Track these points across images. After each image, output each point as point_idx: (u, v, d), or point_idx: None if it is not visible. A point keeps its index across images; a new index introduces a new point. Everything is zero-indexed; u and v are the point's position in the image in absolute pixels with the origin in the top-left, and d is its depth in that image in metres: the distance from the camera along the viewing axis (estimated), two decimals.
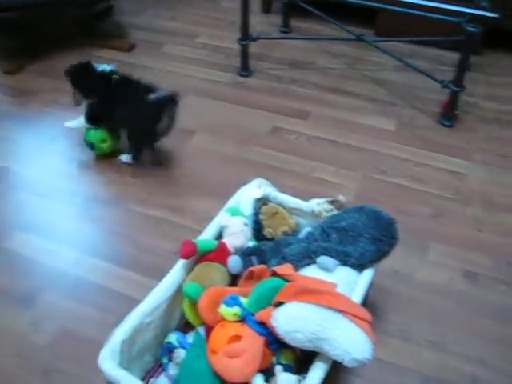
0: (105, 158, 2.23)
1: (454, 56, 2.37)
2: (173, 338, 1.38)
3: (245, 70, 2.66)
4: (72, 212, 2.01)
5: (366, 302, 1.40)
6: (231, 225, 1.48)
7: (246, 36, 2.55)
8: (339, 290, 1.27)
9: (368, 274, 1.39)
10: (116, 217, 1.97)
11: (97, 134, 2.19)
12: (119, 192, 2.07)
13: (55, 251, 1.86)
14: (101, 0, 2.98)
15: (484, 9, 2.06)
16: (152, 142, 2.17)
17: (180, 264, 1.40)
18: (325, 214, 1.51)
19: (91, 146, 2.21)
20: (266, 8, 3.22)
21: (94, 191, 2.08)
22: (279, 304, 1.21)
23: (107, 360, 1.21)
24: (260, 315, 1.21)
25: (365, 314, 1.21)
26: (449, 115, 2.37)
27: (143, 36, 3.04)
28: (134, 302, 1.59)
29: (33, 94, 2.62)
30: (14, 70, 2.77)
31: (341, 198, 1.54)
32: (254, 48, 2.66)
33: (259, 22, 3.07)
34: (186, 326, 1.43)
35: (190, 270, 1.41)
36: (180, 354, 1.35)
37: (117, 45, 2.94)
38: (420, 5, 2.19)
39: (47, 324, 1.63)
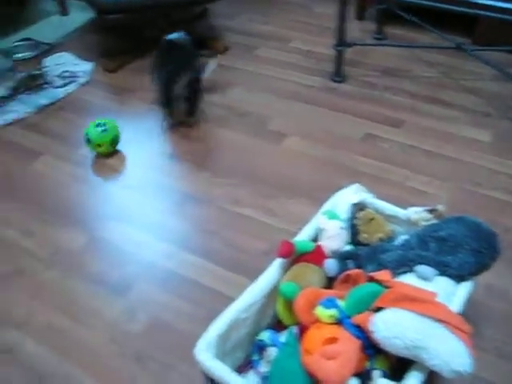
0: (199, 157, 2.28)
1: None
2: (265, 335, 1.39)
3: (338, 75, 2.65)
4: (165, 207, 2.07)
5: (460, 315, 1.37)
6: (328, 228, 1.48)
7: (341, 42, 2.55)
8: (438, 299, 1.24)
9: (467, 286, 1.36)
10: (208, 214, 2.02)
11: (98, 136, 2.27)
12: (212, 191, 2.12)
13: (147, 243, 1.93)
14: (198, 3, 3.05)
15: None
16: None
17: (277, 263, 1.42)
18: (422, 223, 1.49)
19: (88, 141, 2.30)
20: (360, 14, 3.20)
21: (187, 188, 2.14)
22: (378, 309, 1.20)
23: (203, 352, 1.24)
24: (358, 319, 1.21)
25: (464, 325, 1.19)
26: None
27: (237, 39, 3.10)
28: (223, 298, 1.64)
29: (131, 92, 2.73)
30: (114, 69, 2.89)
31: (440, 207, 1.51)
32: (347, 54, 2.65)
33: (353, 29, 3.06)
34: (277, 325, 1.44)
35: (285, 269, 1.42)
36: (272, 352, 1.36)
37: (212, 47, 3.01)
38: None
39: (140, 313, 1.69)
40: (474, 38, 2.85)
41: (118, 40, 3.17)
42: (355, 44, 2.62)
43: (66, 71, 2.82)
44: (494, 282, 1.69)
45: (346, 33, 2.55)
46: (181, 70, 2.29)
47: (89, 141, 2.29)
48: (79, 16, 3.40)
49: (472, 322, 1.57)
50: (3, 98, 2.66)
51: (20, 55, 2.74)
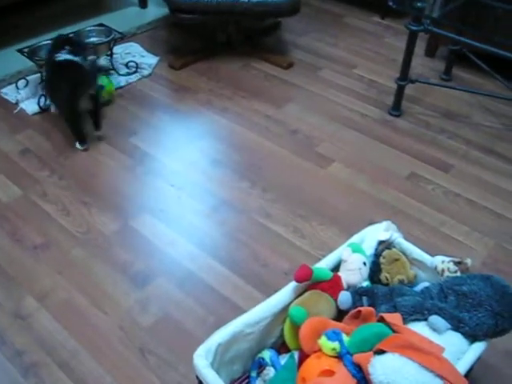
0: (242, 166, 2.31)
1: None
2: (266, 354, 1.40)
3: (395, 109, 2.63)
4: (199, 209, 2.10)
5: (468, 376, 1.33)
6: (350, 261, 1.47)
7: (405, 76, 2.53)
8: (445, 355, 1.21)
9: (479, 347, 1.32)
10: (239, 224, 2.03)
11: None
12: (247, 201, 2.13)
13: (176, 241, 1.96)
14: (271, 16, 3.08)
15: None
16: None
17: (291, 285, 1.42)
18: (447, 274, 1.46)
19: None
20: (431, 52, 3.16)
21: (224, 194, 2.16)
22: (380, 352, 1.19)
23: (201, 357, 1.25)
24: (358, 357, 1.19)
25: None
26: None
27: (303, 57, 3.11)
28: (235, 308, 1.65)
29: (190, 92, 2.78)
30: (178, 66, 2.95)
31: (468, 261, 1.47)
32: (409, 89, 2.62)
33: (420, 65, 3.03)
34: (281, 347, 1.44)
35: (299, 293, 1.42)
36: (270, 372, 1.36)
37: (276, 61, 3.03)
38: None
39: (153, 307, 1.72)
40: None
41: (187, 39, 3.24)
42: (418, 81, 2.59)
43: (132, 61, 2.89)
44: None
45: (412, 68, 2.53)
46: (78, 89, 2.31)
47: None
48: (156, 10, 3.49)
49: None
50: None
51: (91, 39, 2.83)
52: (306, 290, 1.43)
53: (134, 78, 2.85)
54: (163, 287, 1.79)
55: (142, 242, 1.95)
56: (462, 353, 1.29)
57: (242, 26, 3.16)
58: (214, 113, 2.63)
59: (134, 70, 2.87)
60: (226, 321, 1.36)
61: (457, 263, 1.48)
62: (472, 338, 1.33)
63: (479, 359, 1.36)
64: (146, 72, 2.88)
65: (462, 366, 1.25)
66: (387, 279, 1.50)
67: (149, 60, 2.99)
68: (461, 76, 2.98)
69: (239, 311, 1.40)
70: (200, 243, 1.95)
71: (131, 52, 3.04)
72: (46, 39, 2.77)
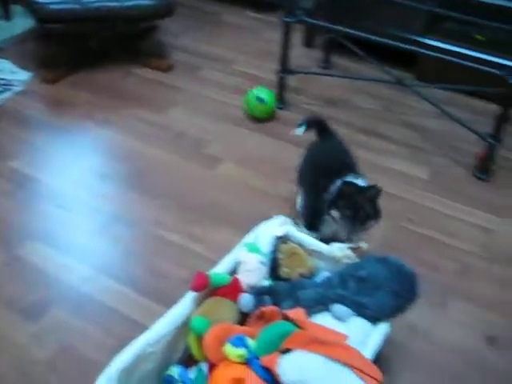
0: (131, 176, 2.22)
1: (493, 108, 2.29)
2: (174, 371, 1.33)
3: (280, 102, 2.64)
4: (91, 228, 1.99)
5: (378, 357, 1.34)
6: (247, 261, 1.44)
7: (284, 68, 2.54)
8: (351, 342, 1.21)
9: (383, 329, 1.34)
10: (134, 237, 1.95)
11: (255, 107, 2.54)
12: (138, 212, 2.05)
13: (69, 266, 1.84)
14: (146, 19, 2.99)
15: None
16: None
17: (189, 295, 1.36)
18: (345, 261, 1.46)
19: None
20: (308, 42, 3.21)
21: (114, 209, 2.07)
22: (287, 351, 1.16)
23: None
24: (265, 360, 1.16)
25: (375, 372, 1.16)
26: (484, 168, 2.30)
27: (182, 58, 3.06)
28: (139, 327, 1.56)
29: (69, 106, 2.64)
30: (53, 80, 2.79)
31: (363, 245, 1.49)
32: (291, 81, 2.64)
33: (300, 56, 3.05)
34: (188, 360, 1.38)
35: (199, 302, 1.37)
36: None
37: (155, 64, 2.96)
38: (465, 55, 2.15)
39: (50, 339, 1.61)
40: (416, 74, 2.89)
41: (59, 50, 3.07)
42: (298, 72, 2.61)
43: (2, 79, 2.71)
44: (416, 323, 1.68)
45: (292, 59, 2.54)
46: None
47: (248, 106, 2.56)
48: (22, 22, 3.27)
49: (391, 362, 1.56)
50: None
51: None
52: (205, 298, 1.38)
53: (4, 96, 2.65)
54: (59, 316, 1.67)
55: (30, 271, 1.81)
56: (367, 336, 1.30)
57: (117, 32, 3.05)
58: (95, 125, 2.51)
59: (3, 88, 2.68)
60: (129, 342, 1.28)
61: (353, 249, 1.49)
62: (375, 320, 1.34)
63: (385, 339, 1.38)
64: (17, 89, 2.70)
65: (369, 350, 1.25)
66: (287, 274, 1.49)
67: (20, 76, 2.80)
68: (339, 63, 3.06)
69: (142, 329, 1.32)
70: (95, 264, 1.85)
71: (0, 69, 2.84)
72: None
